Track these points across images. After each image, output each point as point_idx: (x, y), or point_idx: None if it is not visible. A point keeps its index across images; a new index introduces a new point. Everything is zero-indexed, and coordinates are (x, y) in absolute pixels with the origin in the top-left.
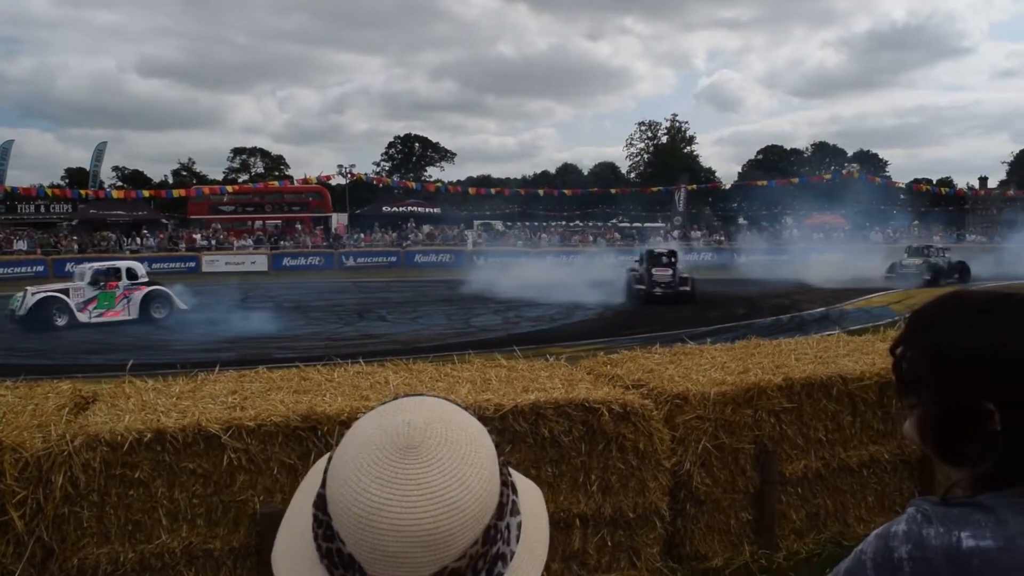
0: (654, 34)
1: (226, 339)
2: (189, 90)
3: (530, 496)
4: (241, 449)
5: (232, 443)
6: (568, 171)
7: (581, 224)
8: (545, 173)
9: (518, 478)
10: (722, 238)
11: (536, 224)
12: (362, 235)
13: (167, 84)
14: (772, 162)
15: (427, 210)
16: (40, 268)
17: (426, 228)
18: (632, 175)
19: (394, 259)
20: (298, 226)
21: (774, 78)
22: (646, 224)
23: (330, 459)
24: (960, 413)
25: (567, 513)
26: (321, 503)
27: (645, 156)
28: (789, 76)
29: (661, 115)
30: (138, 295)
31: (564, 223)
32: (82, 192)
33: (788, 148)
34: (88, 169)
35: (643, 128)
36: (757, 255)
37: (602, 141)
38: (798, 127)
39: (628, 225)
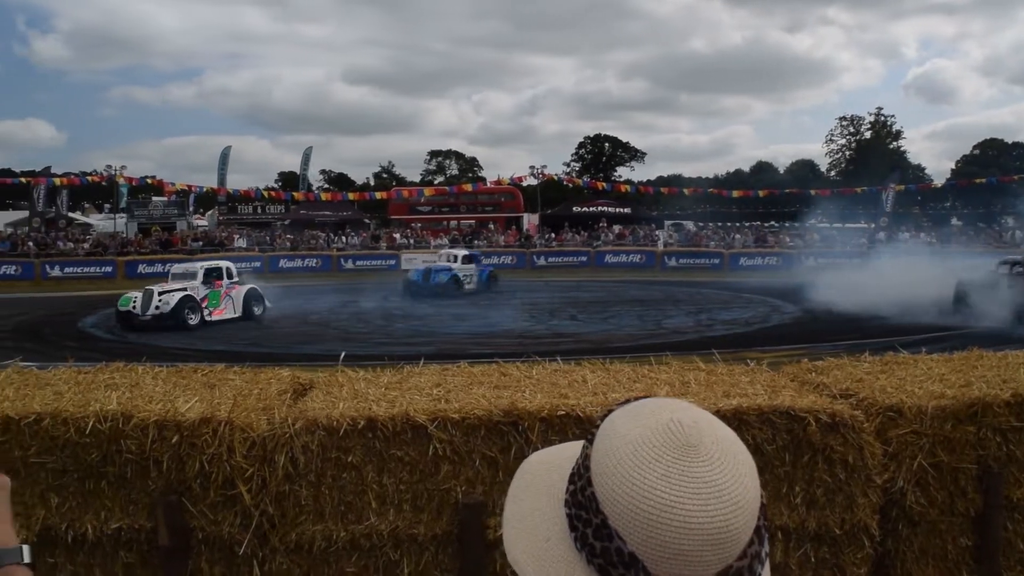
0: (859, 23)
1: (424, 334)
2: (391, 96)
3: None
4: (446, 440)
5: (438, 434)
6: (763, 169)
7: (776, 225)
8: (738, 172)
9: None
10: (933, 240)
11: (729, 224)
12: (553, 235)
13: (370, 91)
14: (991, 157)
15: (617, 210)
16: (257, 264)
17: (616, 228)
18: (832, 173)
19: (584, 259)
20: (491, 226)
21: (994, 65)
22: (847, 225)
23: (586, 459)
24: None
25: (768, 525)
26: (587, 503)
27: (847, 153)
28: (1011, 63)
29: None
30: (238, 292)
31: (759, 223)
32: (294, 194)
33: (1010, 142)
34: (298, 172)
35: (844, 123)
36: (974, 259)
37: (800, 138)
38: (1022, 119)
39: (827, 226)
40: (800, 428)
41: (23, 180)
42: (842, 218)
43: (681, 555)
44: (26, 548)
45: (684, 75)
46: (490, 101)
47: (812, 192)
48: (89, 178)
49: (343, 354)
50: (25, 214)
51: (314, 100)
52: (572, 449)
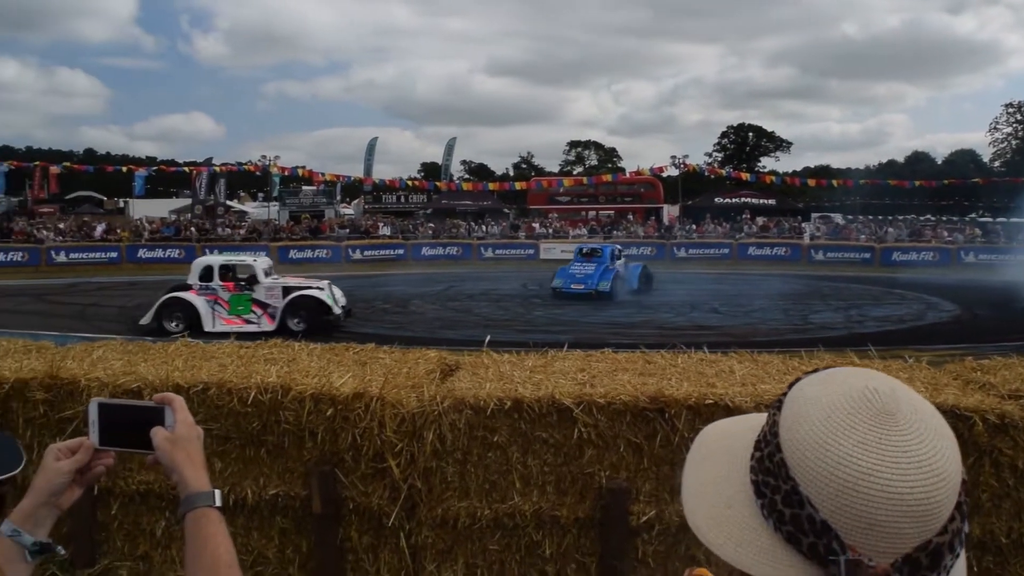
0: None
1: (563, 323)
2: (531, 87)
3: None
4: (591, 424)
5: (583, 417)
6: (919, 160)
7: (933, 218)
8: (892, 162)
9: None
10: None
11: (880, 218)
12: (694, 226)
13: (511, 83)
14: None
15: (761, 201)
16: (400, 251)
17: (760, 220)
18: (996, 164)
19: (726, 251)
20: (630, 216)
21: None
22: (1012, 219)
23: (774, 425)
24: None
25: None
26: (776, 469)
27: (1013, 142)
28: None
29: None
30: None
31: (914, 217)
32: (436, 184)
33: None
34: (440, 163)
35: (1011, 110)
36: None
37: (961, 126)
38: None
39: (991, 220)
40: (965, 428)
41: (186, 169)
42: (1008, 211)
43: (877, 526)
44: (217, 492)
45: (834, 61)
46: (630, 91)
47: (976, 182)
48: (245, 167)
49: (488, 338)
50: (188, 202)
51: (456, 92)
52: (754, 420)
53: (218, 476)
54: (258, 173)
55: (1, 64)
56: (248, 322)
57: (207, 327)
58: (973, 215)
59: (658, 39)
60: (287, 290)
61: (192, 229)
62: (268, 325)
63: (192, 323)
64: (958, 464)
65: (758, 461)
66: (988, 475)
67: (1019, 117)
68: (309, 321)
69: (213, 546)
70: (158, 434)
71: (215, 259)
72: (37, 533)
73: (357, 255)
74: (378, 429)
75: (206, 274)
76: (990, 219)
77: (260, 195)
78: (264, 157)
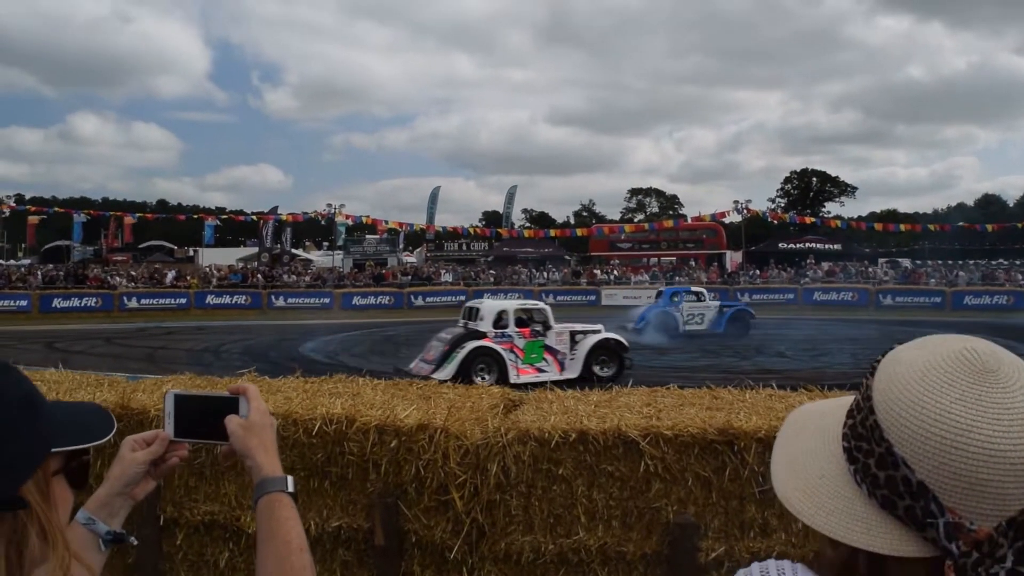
0: None
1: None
2: (592, 136)
3: None
4: (658, 457)
5: (650, 450)
6: (990, 203)
7: (1006, 262)
8: (961, 206)
9: None
10: None
11: (951, 262)
12: (757, 271)
13: (572, 132)
14: None
15: (826, 246)
16: (462, 298)
17: (825, 265)
18: None
19: (791, 296)
20: (692, 262)
21: None
22: None
23: (867, 390)
24: None
25: None
26: (869, 432)
27: None
28: None
29: None
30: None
31: (986, 261)
32: (498, 230)
33: None
34: (501, 211)
35: None
36: None
37: None
38: None
39: None
40: None
41: (254, 217)
42: None
43: (979, 485)
44: (290, 479)
45: (900, 104)
46: (692, 138)
47: None
48: (311, 216)
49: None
50: (255, 250)
51: (518, 141)
52: (844, 400)
53: None
54: (323, 222)
55: (82, 119)
56: (540, 371)
57: (511, 378)
58: None
59: (720, 86)
60: (573, 335)
61: (259, 276)
62: (557, 373)
63: (501, 374)
64: None
65: (851, 428)
66: None
67: None
68: (615, 365)
69: (285, 531)
70: (232, 421)
71: (509, 304)
72: (111, 523)
73: (419, 301)
74: (442, 461)
75: (500, 320)
76: None
77: (325, 244)
78: (330, 206)
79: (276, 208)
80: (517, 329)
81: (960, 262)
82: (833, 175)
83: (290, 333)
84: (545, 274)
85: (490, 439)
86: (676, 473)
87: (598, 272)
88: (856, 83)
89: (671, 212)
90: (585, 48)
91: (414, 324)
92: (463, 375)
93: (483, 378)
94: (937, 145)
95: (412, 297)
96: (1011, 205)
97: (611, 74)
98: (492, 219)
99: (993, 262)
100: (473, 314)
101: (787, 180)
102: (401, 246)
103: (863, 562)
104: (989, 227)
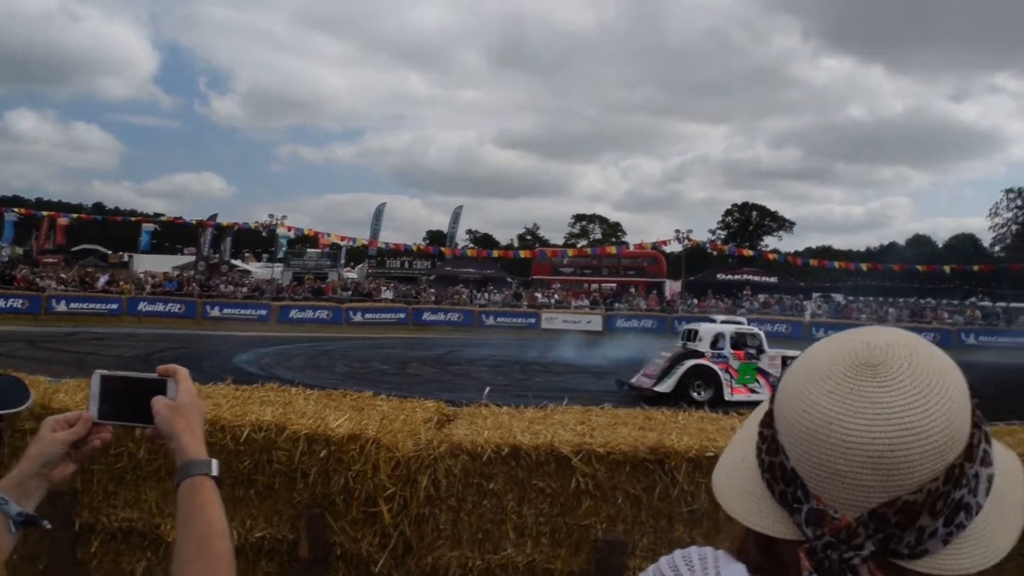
0: None
1: (563, 388)
2: (540, 160)
3: (1003, 455)
4: (589, 474)
5: (581, 467)
6: (920, 243)
7: (934, 301)
8: (893, 245)
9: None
10: None
11: (882, 299)
12: (695, 301)
13: (520, 155)
14: None
15: (763, 279)
16: (401, 315)
17: (761, 297)
18: (996, 249)
19: None
20: (632, 290)
21: None
22: (1012, 304)
23: (779, 379)
24: None
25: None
26: (768, 418)
27: (1013, 228)
28: None
29: None
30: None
31: (915, 299)
32: (441, 249)
33: None
34: (446, 231)
35: (1011, 196)
36: None
37: (962, 211)
38: None
39: (990, 304)
40: None
41: (192, 222)
42: (1009, 296)
43: (838, 475)
44: (215, 462)
45: (840, 144)
46: (638, 166)
47: (974, 268)
48: (252, 225)
49: (487, 389)
50: (192, 259)
51: (466, 161)
52: None
53: None
54: (264, 232)
55: (19, 116)
56: (752, 391)
57: (726, 396)
58: (973, 299)
59: (667, 117)
60: (784, 360)
61: (194, 285)
62: (768, 394)
63: (716, 391)
64: (952, 425)
65: (766, 413)
66: None
67: (1019, 203)
68: None
69: (207, 515)
70: (158, 402)
71: (726, 327)
72: (25, 504)
73: (358, 317)
74: (372, 472)
75: (717, 342)
76: (990, 303)
77: (265, 255)
78: (271, 216)
79: (216, 216)
80: (732, 351)
81: (890, 299)
82: (773, 209)
83: (224, 344)
84: (486, 295)
85: (422, 452)
86: (607, 490)
87: (539, 295)
88: (799, 121)
89: (614, 239)
90: (537, 73)
91: (352, 340)
92: (681, 390)
93: (699, 394)
94: (873, 184)
95: (351, 313)
96: (940, 246)
97: (561, 100)
98: (436, 238)
99: (922, 300)
100: (692, 335)
101: (728, 212)
102: (343, 261)
103: (757, 541)
104: (919, 267)
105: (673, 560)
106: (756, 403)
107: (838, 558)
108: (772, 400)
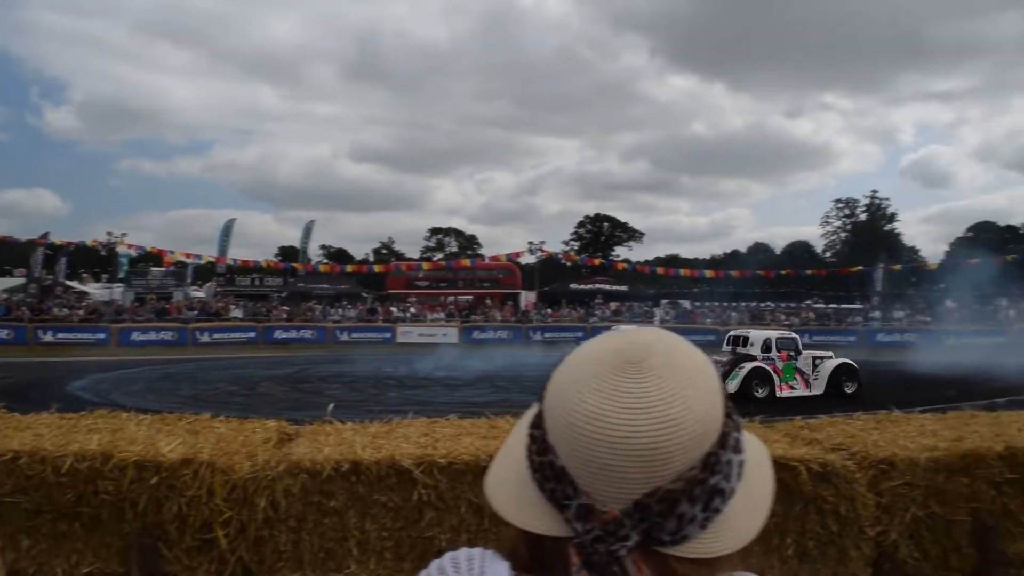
0: (858, 109)
1: (417, 402)
2: (395, 174)
3: (753, 443)
4: (431, 485)
5: (423, 479)
6: (760, 250)
7: (773, 304)
8: (735, 252)
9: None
10: (928, 319)
11: (726, 304)
12: (549, 311)
13: (375, 169)
14: (985, 240)
15: (614, 288)
16: (251, 334)
17: (613, 305)
18: (828, 255)
19: (580, 334)
20: (488, 301)
21: (990, 151)
22: (843, 306)
23: (543, 387)
24: None
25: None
26: (538, 419)
27: (842, 235)
28: (1007, 149)
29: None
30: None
31: (756, 303)
32: (293, 265)
33: (1003, 225)
34: (298, 246)
35: (840, 206)
36: (968, 337)
37: (797, 220)
38: (1015, 203)
39: (823, 306)
40: (791, 477)
41: (21, 240)
42: (837, 298)
43: (605, 470)
44: None
45: (686, 158)
46: (493, 180)
47: (808, 272)
48: (89, 243)
49: (331, 406)
50: (23, 281)
51: (319, 176)
52: None
53: (25, 554)
54: (104, 251)
55: None
56: (793, 388)
57: (778, 394)
58: (808, 301)
59: (522, 131)
60: (814, 359)
61: (24, 308)
62: (804, 391)
63: (771, 390)
64: (708, 416)
65: (536, 414)
66: (813, 522)
67: (847, 212)
68: (855, 383)
69: None
70: None
71: (771, 333)
72: None
73: (205, 338)
74: (207, 497)
75: (766, 346)
76: (823, 304)
77: (105, 276)
78: (110, 234)
79: (48, 234)
80: (777, 353)
81: (733, 304)
82: (623, 220)
83: (58, 371)
84: (340, 311)
85: (259, 473)
86: (449, 501)
87: (395, 310)
88: (647, 135)
89: (470, 252)
90: (391, 87)
91: (198, 361)
92: (744, 389)
93: (757, 392)
94: (717, 196)
95: (198, 333)
96: (778, 253)
97: (416, 114)
98: (289, 254)
99: (762, 304)
100: (742, 341)
101: (581, 224)
102: (189, 280)
103: (526, 541)
104: (760, 273)
105: (442, 562)
106: (800, 399)
107: (606, 551)
108: (541, 401)
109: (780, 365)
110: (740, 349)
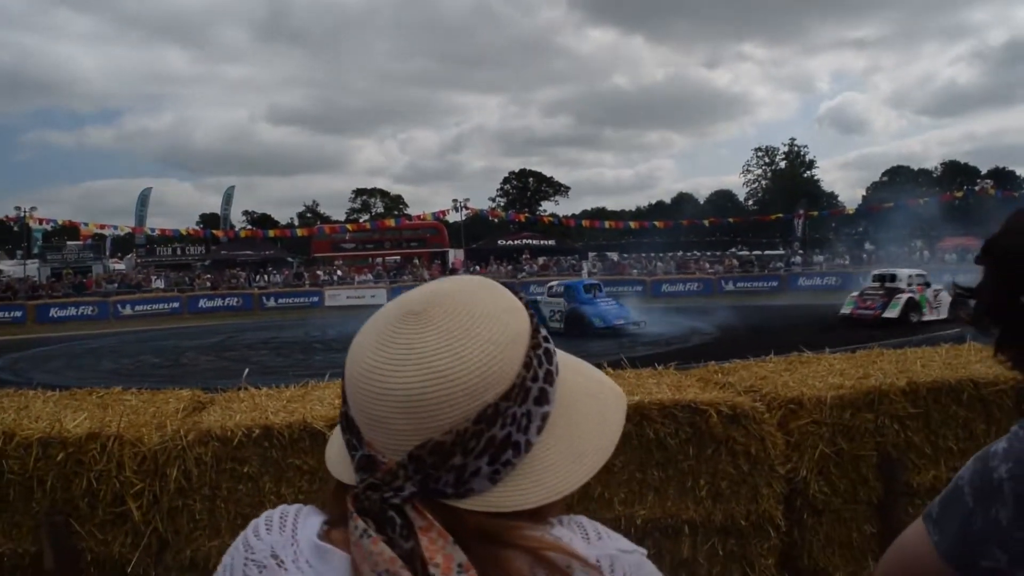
0: (774, 59)
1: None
2: (315, 136)
3: (585, 392)
4: None
5: None
6: (684, 201)
7: (698, 253)
8: (660, 204)
9: (599, 379)
10: (846, 262)
11: (652, 255)
12: (478, 268)
13: (295, 131)
14: (899, 184)
15: (542, 242)
16: (175, 305)
17: (541, 260)
18: (750, 203)
19: None
20: (416, 261)
21: (903, 98)
22: (766, 252)
23: None
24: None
25: (675, 519)
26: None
27: (763, 183)
28: (919, 95)
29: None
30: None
31: (681, 252)
32: (213, 232)
33: (916, 169)
34: (219, 213)
35: (760, 154)
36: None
37: (720, 170)
38: (928, 147)
39: (747, 253)
40: (702, 421)
41: None
42: (760, 245)
43: (378, 421)
44: None
45: (608, 111)
46: (416, 139)
47: (730, 221)
48: None
49: (246, 371)
50: None
51: (237, 141)
52: None
53: None
54: (15, 227)
55: None
56: (924, 314)
57: (924, 318)
58: (732, 249)
59: (442, 88)
60: (936, 292)
61: None
62: (931, 315)
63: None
64: (486, 367)
65: None
66: (726, 463)
67: (767, 160)
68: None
69: None
70: None
71: (913, 270)
72: None
73: (127, 311)
74: (116, 471)
75: (910, 281)
76: (746, 251)
77: (19, 252)
78: (19, 209)
79: None
80: (916, 287)
81: (659, 254)
82: (548, 175)
83: None
84: (266, 277)
85: (168, 443)
86: None
87: (321, 273)
88: (568, 90)
89: (396, 212)
90: (306, 46)
91: (120, 335)
92: (904, 314)
93: (912, 317)
94: (640, 148)
95: (119, 306)
96: (701, 203)
97: (334, 74)
98: (210, 222)
99: (687, 254)
100: (891, 278)
101: (506, 180)
102: (108, 252)
103: (335, 493)
104: (683, 223)
105: (258, 522)
106: (936, 321)
107: (379, 498)
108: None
109: (917, 296)
110: (888, 284)
